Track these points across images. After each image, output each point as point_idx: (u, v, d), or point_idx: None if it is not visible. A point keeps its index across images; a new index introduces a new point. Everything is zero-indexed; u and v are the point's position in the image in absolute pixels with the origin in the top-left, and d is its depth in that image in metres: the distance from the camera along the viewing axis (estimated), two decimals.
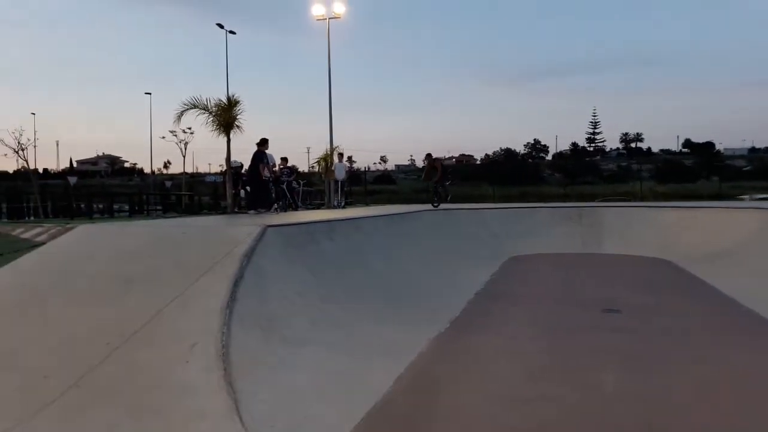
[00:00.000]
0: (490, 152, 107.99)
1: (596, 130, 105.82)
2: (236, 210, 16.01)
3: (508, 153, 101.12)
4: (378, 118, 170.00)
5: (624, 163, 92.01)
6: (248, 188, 15.88)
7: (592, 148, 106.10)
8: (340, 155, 20.18)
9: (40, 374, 4.70)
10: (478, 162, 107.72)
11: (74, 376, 4.57)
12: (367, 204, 22.15)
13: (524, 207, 18.38)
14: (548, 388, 4.77)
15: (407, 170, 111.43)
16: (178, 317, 5.30)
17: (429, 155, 17.75)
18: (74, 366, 4.72)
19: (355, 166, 19.60)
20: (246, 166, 15.30)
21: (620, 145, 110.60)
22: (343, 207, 17.69)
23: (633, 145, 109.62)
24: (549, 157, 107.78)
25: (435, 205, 16.81)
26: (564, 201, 28.61)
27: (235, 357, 4.70)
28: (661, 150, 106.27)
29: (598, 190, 50.02)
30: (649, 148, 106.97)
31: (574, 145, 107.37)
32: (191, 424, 3.90)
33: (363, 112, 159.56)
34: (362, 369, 5.08)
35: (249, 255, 6.46)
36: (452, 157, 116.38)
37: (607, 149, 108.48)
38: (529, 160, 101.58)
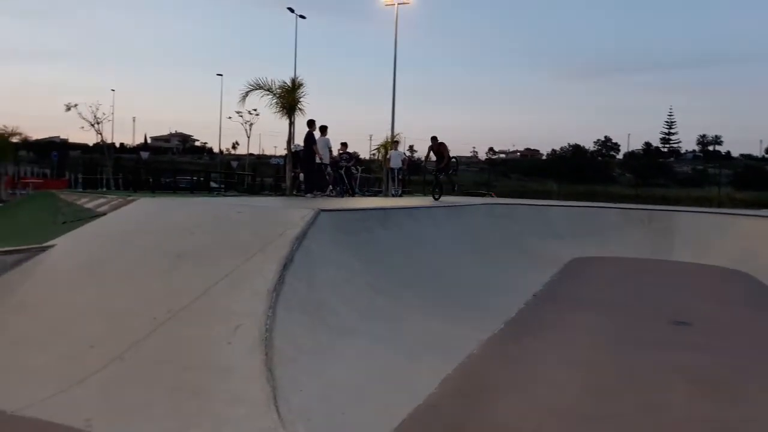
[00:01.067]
0: (557, 147, 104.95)
1: (671, 131, 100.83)
2: (295, 192, 16.06)
3: (577, 149, 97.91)
4: (441, 108, 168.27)
5: (700, 167, 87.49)
6: (305, 171, 15.98)
7: (666, 149, 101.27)
8: (396, 143, 19.82)
9: (87, 343, 4.73)
10: (543, 157, 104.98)
11: (119, 349, 4.57)
12: (425, 194, 21.82)
13: (591, 206, 17.58)
14: (610, 406, 4.39)
15: (468, 162, 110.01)
16: (225, 297, 5.23)
17: (434, 138, 15.22)
18: (120, 338, 4.72)
19: (416, 155, 19.43)
20: None
21: (696, 148, 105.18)
22: (400, 196, 17.24)
23: (711, 148, 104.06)
24: (620, 156, 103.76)
25: (436, 197, 15.07)
26: (634, 202, 27.36)
27: (278, 342, 4.57)
28: (742, 155, 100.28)
29: (671, 193, 47.75)
30: (729, 152, 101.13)
31: (647, 144, 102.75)
32: (227, 409, 3.79)
33: (427, 100, 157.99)
34: (407, 366, 4.85)
35: (300, 238, 6.34)
36: (516, 151, 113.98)
37: (682, 151, 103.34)
38: (599, 157, 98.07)
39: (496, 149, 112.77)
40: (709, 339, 6.51)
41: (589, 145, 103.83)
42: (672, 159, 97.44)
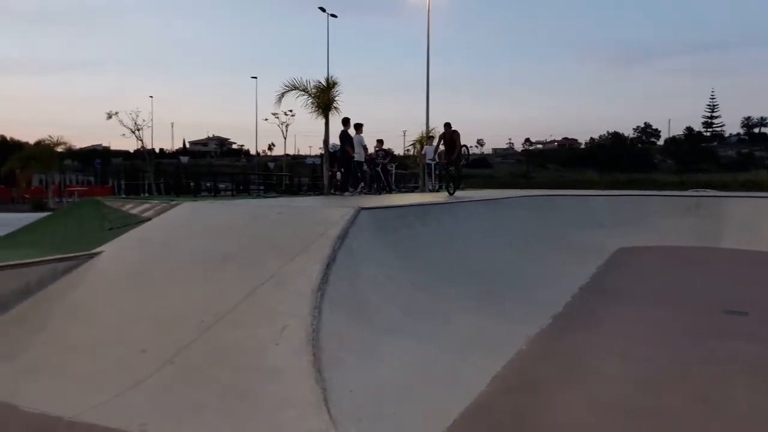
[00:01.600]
0: (595, 136, 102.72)
1: (714, 114, 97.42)
2: (332, 191, 16.10)
3: (616, 137, 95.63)
4: (475, 100, 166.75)
5: (745, 150, 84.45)
6: (342, 170, 16.04)
7: (709, 133, 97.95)
8: (431, 138, 19.50)
9: (138, 348, 4.80)
10: (582, 146, 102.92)
11: (169, 353, 4.63)
12: (462, 188, 21.62)
13: (634, 195, 17.12)
14: (666, 400, 4.24)
15: (504, 154, 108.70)
16: (271, 298, 5.25)
17: (448, 125, 13.72)
18: (170, 342, 4.78)
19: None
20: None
21: (741, 131, 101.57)
22: (437, 191, 16.91)
23: (756, 130, 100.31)
24: (660, 143, 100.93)
25: (451, 191, 13.93)
26: (678, 189, 26.54)
27: (325, 342, 4.56)
28: None
29: (716, 179, 46.19)
30: None
31: (689, 129, 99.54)
32: (279, 412, 3.79)
33: (460, 93, 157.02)
34: (455, 364, 4.78)
35: (342, 237, 6.33)
36: (554, 141, 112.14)
37: (726, 134, 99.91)
38: (639, 144, 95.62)
39: (533, 140, 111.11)
40: (767, 328, 6.24)
41: (629, 132, 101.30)
42: (715, 143, 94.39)
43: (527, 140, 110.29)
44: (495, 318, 6.16)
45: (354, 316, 5.27)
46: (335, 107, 16.37)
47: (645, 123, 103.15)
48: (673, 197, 16.21)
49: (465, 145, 14.14)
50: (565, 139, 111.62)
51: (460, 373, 4.61)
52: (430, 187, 17.59)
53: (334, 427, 3.55)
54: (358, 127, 14.09)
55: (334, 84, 16.19)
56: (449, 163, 13.96)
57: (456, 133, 13.56)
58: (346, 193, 14.10)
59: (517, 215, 12.23)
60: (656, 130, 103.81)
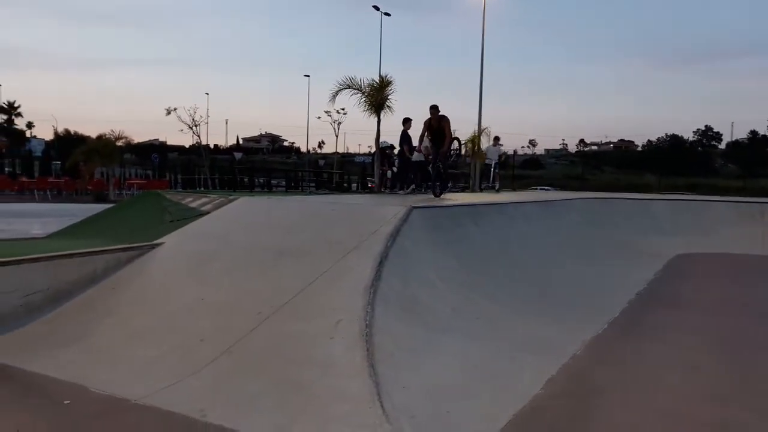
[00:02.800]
0: (653, 138, 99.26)
1: None
2: (383, 190, 16.15)
3: (675, 140, 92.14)
4: (528, 100, 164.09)
5: None
6: (394, 168, 16.11)
7: None
8: (497, 138, 18.99)
9: (198, 337, 4.97)
10: (639, 148, 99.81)
11: (227, 343, 4.76)
12: (514, 189, 21.33)
13: (695, 200, 16.51)
14: (731, 413, 4.08)
15: (557, 155, 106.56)
16: (325, 293, 5.34)
17: (435, 108, 11.11)
18: (227, 332, 4.92)
19: (501, 149, 18.64)
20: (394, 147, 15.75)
21: None
22: (497, 191, 16.73)
23: None
24: (722, 146, 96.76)
25: (437, 193, 11.40)
26: (740, 195, 25.42)
27: (378, 339, 4.60)
28: None
29: None
30: None
31: (753, 133, 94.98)
32: (333, 405, 3.84)
33: (513, 93, 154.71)
34: (508, 366, 4.73)
35: (394, 235, 6.37)
36: (609, 142, 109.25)
37: None
38: (699, 148, 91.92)
39: (588, 141, 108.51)
40: None
41: (688, 135, 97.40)
42: None
43: (582, 141, 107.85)
44: (549, 321, 6.06)
45: (406, 314, 5.30)
46: (388, 106, 16.41)
47: (706, 126, 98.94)
48: (735, 203, 15.55)
49: (457, 138, 12.28)
50: (621, 140, 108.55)
51: (514, 375, 4.56)
52: (489, 185, 17.30)
53: (388, 422, 3.57)
54: (407, 121, 14.04)
55: (389, 83, 16.22)
56: (436, 157, 11.30)
57: (445, 120, 11.05)
58: (400, 191, 14.13)
59: (572, 218, 11.99)
60: (718, 133, 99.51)
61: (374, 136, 17.26)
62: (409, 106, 15.52)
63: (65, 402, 4.14)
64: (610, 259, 10.15)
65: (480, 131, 25.30)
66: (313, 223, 7.27)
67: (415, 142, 12.79)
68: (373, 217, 7.10)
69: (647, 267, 10.01)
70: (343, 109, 41.00)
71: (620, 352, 5.41)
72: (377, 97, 16.02)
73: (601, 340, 5.70)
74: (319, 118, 56.70)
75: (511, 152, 18.67)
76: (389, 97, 16.32)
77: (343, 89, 16.45)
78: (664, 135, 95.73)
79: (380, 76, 16.61)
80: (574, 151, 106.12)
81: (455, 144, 12.12)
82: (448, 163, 11.73)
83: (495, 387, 4.31)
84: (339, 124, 43.64)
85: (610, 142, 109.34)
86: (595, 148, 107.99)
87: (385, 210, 7.26)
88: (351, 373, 4.16)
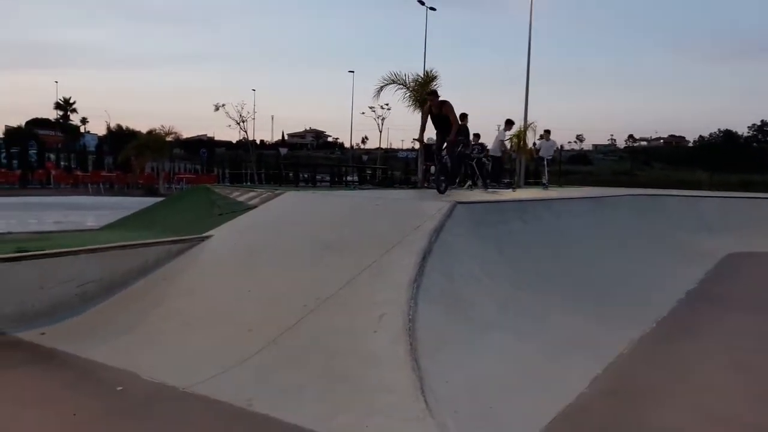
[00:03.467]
0: (705, 134, 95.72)
1: None
2: (426, 185, 16.09)
3: (728, 135, 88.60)
4: (575, 94, 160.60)
5: None
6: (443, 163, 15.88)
7: None
8: (548, 132, 18.07)
9: (245, 327, 5.08)
10: (690, 144, 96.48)
11: (273, 333, 4.86)
12: (560, 185, 20.93)
13: (748, 197, 15.88)
14: None
15: (605, 150, 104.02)
16: (369, 287, 5.37)
17: (433, 93, 9.83)
18: (274, 323, 5.02)
19: (556, 145, 17.99)
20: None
21: None
22: (546, 187, 16.10)
23: None
24: None
25: (441, 189, 9.88)
26: None
27: (421, 333, 4.60)
28: None
29: None
30: None
31: None
32: (377, 397, 3.88)
33: (559, 87, 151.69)
34: (553, 364, 4.67)
35: (438, 230, 6.35)
36: (659, 138, 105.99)
37: None
38: (754, 144, 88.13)
39: (637, 136, 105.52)
40: None
41: (743, 130, 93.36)
42: None
43: (630, 137, 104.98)
44: (595, 319, 5.95)
45: (450, 309, 5.28)
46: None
47: (762, 121, 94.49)
48: None
49: (464, 123, 11.14)
50: (672, 136, 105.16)
51: (559, 373, 4.50)
52: (544, 182, 16.73)
53: (431, 416, 3.59)
54: (464, 117, 13.73)
55: (433, 78, 16.17)
56: (441, 148, 9.83)
57: (447, 105, 9.39)
58: (453, 187, 13.74)
59: (621, 214, 11.69)
60: None
61: (417, 131, 17.11)
62: (453, 100, 15.36)
63: (118, 388, 4.31)
64: (660, 257, 9.87)
65: (526, 126, 24.93)
66: (357, 217, 7.32)
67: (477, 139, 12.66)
68: (416, 213, 7.10)
69: (698, 265, 9.70)
70: (387, 105, 41.03)
71: (668, 352, 5.28)
72: (422, 92, 15.99)
73: (648, 340, 5.57)
74: (363, 113, 56.97)
75: (558, 147, 17.93)
76: None
77: (387, 85, 16.51)
78: (716, 130, 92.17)
79: (425, 71, 16.59)
80: (622, 146, 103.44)
81: (506, 143, 11.34)
82: (455, 153, 10.11)
83: (539, 384, 4.27)
84: (383, 119, 43.74)
85: (660, 138, 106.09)
86: (644, 143, 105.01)
87: (428, 205, 7.25)
88: (394, 366, 4.18)
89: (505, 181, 14.22)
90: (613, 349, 5.10)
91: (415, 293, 5.13)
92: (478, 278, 6.12)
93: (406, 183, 28.99)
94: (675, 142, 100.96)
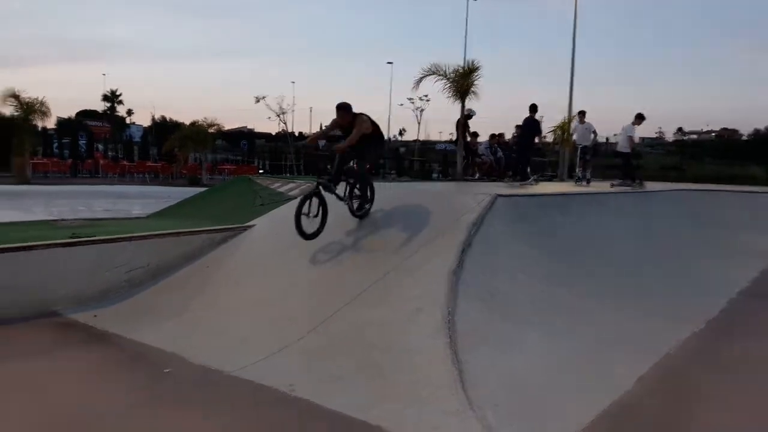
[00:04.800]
0: (760, 127, 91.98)
1: None
2: (465, 178, 15.89)
3: None
4: (621, 85, 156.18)
5: None
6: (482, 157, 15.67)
7: None
8: (582, 113, 15.23)
9: (286, 316, 5.16)
10: (744, 138, 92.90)
11: (313, 323, 4.91)
12: (605, 178, 20.41)
13: None
14: None
15: (653, 144, 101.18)
16: (407, 280, 5.37)
17: (343, 108, 6.53)
18: (314, 314, 5.08)
19: (593, 129, 17.01)
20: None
21: None
22: (588, 182, 14.28)
23: None
24: None
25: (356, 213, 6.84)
26: None
27: (460, 327, 4.58)
28: None
29: None
30: None
31: None
32: (416, 389, 3.88)
33: (605, 78, 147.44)
34: (597, 362, 4.57)
35: (478, 224, 6.30)
36: (711, 131, 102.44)
37: None
38: None
39: (686, 129, 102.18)
40: None
41: None
42: None
43: (680, 129, 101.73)
44: (642, 317, 5.80)
45: (490, 304, 5.22)
46: (473, 92, 16.16)
47: None
48: None
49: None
50: (724, 129, 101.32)
51: (602, 371, 4.41)
52: (580, 175, 14.80)
53: (471, 408, 3.57)
54: (534, 108, 13.20)
55: (475, 68, 15.95)
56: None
57: (360, 118, 6.55)
58: (524, 182, 13.26)
59: (669, 210, 11.35)
60: None
61: (456, 123, 16.90)
62: (494, 92, 15.06)
63: (166, 370, 4.46)
64: (711, 254, 9.54)
65: (570, 117, 24.39)
66: (395, 210, 7.30)
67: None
68: (456, 206, 7.05)
69: (751, 264, 9.32)
70: (425, 96, 40.73)
71: (718, 352, 5.12)
72: (462, 83, 15.81)
73: (697, 339, 5.40)
74: (402, 105, 56.80)
75: (603, 140, 16.67)
76: (475, 83, 16.07)
77: (427, 75, 16.36)
78: None
79: (466, 62, 16.38)
80: (671, 139, 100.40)
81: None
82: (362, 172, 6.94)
83: (581, 382, 4.19)
84: (421, 111, 43.46)
85: (711, 131, 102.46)
86: (694, 137, 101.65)
87: (468, 198, 7.18)
88: (433, 359, 4.18)
89: (535, 176, 13.67)
90: (660, 349, 4.96)
91: (455, 287, 5.10)
92: (519, 273, 6.03)
93: (445, 175, 28.80)
94: (727, 136, 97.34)
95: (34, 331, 5.41)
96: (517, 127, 14.52)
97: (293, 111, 41.65)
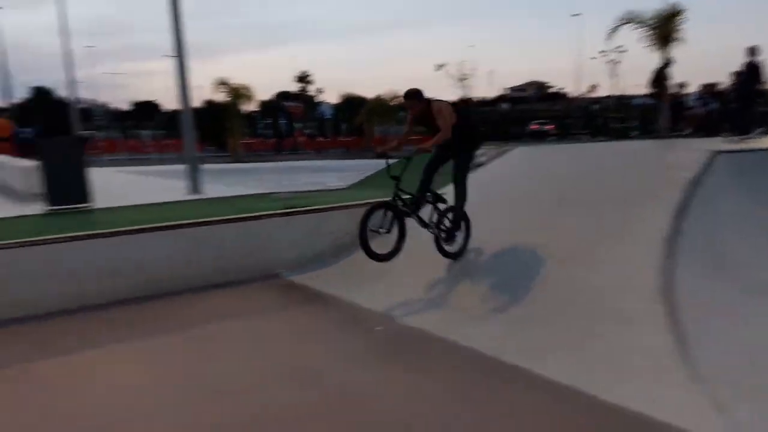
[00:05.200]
0: None
1: None
2: (672, 134, 14.38)
3: None
4: None
5: None
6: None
7: None
8: (752, 50, 12.05)
9: (502, 279, 5.19)
10: None
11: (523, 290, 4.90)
12: None
13: None
14: None
15: None
16: (616, 244, 5.09)
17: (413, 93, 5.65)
18: (527, 276, 5.08)
19: None
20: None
21: None
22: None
23: None
24: None
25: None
26: None
27: (680, 295, 4.23)
28: None
29: None
30: None
31: None
32: (633, 359, 3.70)
33: None
34: None
35: (695, 183, 5.70)
36: None
37: None
38: None
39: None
40: None
41: None
42: None
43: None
44: None
45: (713, 271, 4.74)
46: (677, 38, 14.52)
47: None
48: None
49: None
50: None
51: None
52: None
53: (698, 383, 3.30)
54: (753, 51, 11.36)
55: (679, 11, 14.31)
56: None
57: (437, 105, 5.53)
58: (746, 136, 11.70)
59: None
60: None
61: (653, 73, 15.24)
62: (703, 36, 13.18)
63: (377, 328, 4.81)
64: None
65: None
66: (594, 171, 6.92)
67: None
68: (666, 164, 6.49)
69: None
70: (621, 47, 37.38)
71: None
72: (665, 29, 14.27)
73: None
74: (594, 59, 52.92)
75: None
76: (679, 28, 14.42)
77: (623, 24, 15.04)
78: None
79: (671, 3, 14.70)
80: None
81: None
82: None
83: None
84: (616, 63, 40.07)
85: None
86: None
87: (681, 156, 6.54)
88: (651, 328, 3.93)
89: (760, 128, 11.65)
90: None
91: (671, 252, 4.72)
92: (747, 237, 5.37)
93: (646, 132, 26.49)
94: None
95: (263, 291, 6.15)
96: (735, 73, 12.62)
97: (473, 76, 41.14)
